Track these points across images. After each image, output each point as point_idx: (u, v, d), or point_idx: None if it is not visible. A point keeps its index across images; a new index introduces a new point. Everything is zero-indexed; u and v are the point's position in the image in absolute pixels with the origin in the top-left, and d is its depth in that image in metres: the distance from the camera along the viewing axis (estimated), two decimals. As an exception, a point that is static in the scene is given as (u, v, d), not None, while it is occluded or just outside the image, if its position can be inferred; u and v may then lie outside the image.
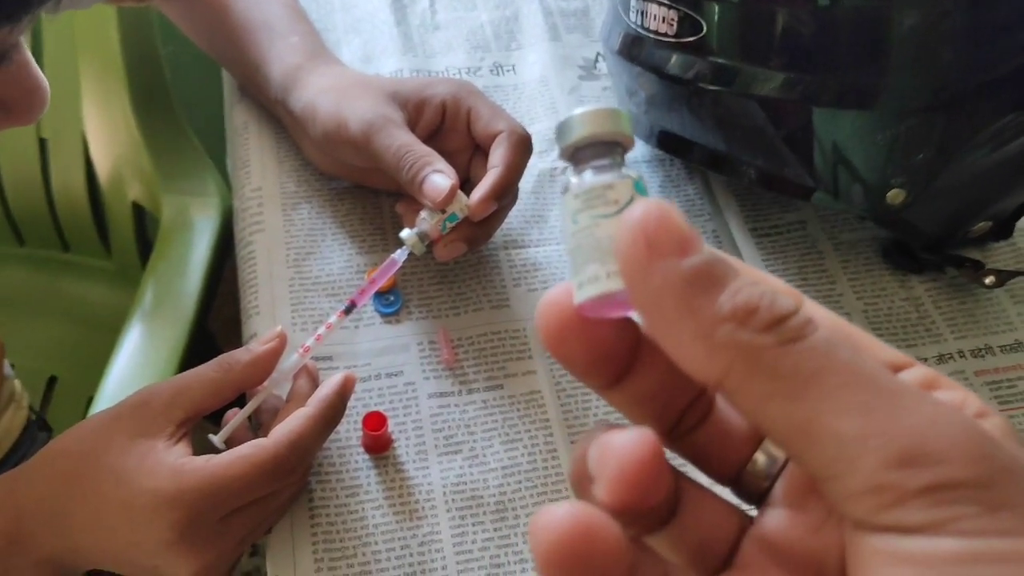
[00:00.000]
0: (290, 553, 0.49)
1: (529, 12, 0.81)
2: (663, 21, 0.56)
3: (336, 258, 0.61)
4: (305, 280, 0.60)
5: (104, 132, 0.87)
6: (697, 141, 0.59)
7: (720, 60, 0.54)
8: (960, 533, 0.16)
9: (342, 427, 0.52)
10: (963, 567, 0.16)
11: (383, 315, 0.58)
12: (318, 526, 0.50)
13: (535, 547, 0.18)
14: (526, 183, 0.63)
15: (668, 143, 0.61)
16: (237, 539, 0.47)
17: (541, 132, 0.69)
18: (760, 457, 0.22)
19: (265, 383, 0.50)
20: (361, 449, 0.53)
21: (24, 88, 0.40)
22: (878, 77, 0.50)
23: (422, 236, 0.54)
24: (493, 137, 0.56)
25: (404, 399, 0.55)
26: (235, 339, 0.58)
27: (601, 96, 0.74)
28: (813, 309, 0.22)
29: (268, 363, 0.49)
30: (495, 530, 0.50)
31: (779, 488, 0.22)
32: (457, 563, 0.49)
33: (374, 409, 0.53)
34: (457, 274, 0.61)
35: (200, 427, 0.49)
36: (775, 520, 0.21)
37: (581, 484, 0.20)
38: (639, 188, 0.21)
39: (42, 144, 0.91)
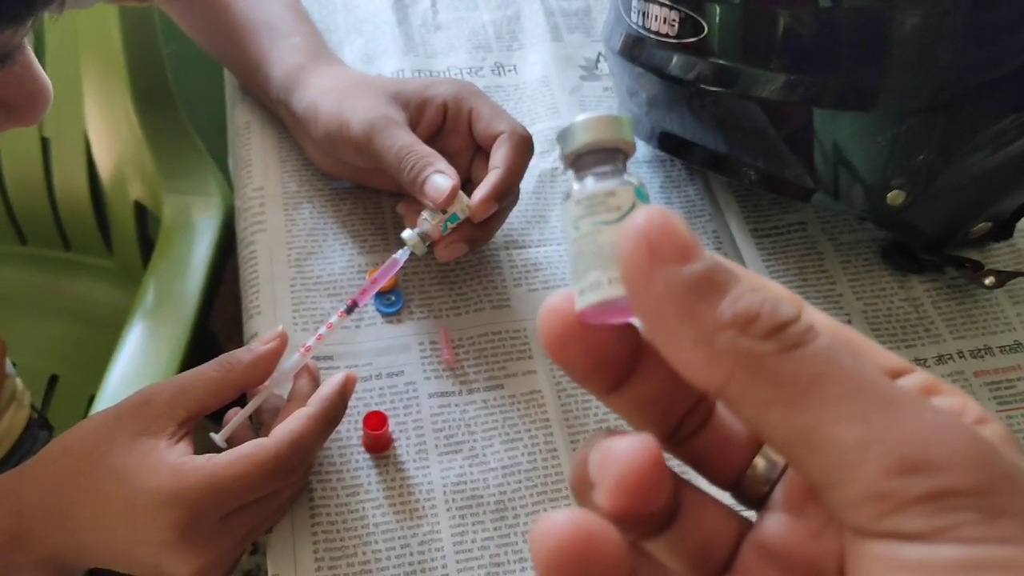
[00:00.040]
0: (291, 551, 0.49)
1: (531, 12, 0.81)
2: (664, 22, 0.56)
3: (337, 258, 0.61)
4: (306, 280, 0.60)
5: (106, 131, 0.87)
6: (698, 142, 0.59)
7: (721, 61, 0.54)
8: (960, 540, 0.16)
9: (343, 426, 0.52)
10: (963, 574, 0.16)
11: (384, 315, 0.59)
12: (319, 525, 0.50)
13: (536, 554, 0.18)
14: (527, 183, 0.63)
15: (669, 144, 0.61)
16: (238, 538, 0.47)
17: (542, 132, 0.69)
18: (760, 462, 0.22)
19: (266, 383, 0.50)
20: (362, 448, 0.53)
21: (27, 89, 0.40)
22: (879, 78, 0.50)
23: (423, 236, 0.54)
24: (494, 138, 0.57)
25: (405, 399, 0.55)
26: (236, 339, 0.59)
27: (602, 96, 0.74)
28: (813, 315, 0.22)
29: (269, 363, 0.49)
30: (495, 529, 0.50)
31: (779, 493, 0.22)
32: (457, 562, 0.49)
33: (375, 409, 0.53)
34: (458, 274, 0.61)
35: (201, 426, 0.49)
36: (774, 525, 0.21)
37: (582, 490, 0.20)
38: (640, 195, 0.21)
39: (44, 143, 0.91)
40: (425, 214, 0.55)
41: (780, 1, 0.50)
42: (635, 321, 0.21)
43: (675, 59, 0.56)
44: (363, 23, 0.78)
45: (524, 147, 0.56)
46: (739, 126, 0.55)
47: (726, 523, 0.22)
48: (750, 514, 0.23)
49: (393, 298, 0.59)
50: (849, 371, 0.18)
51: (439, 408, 0.55)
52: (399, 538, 0.50)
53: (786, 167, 0.55)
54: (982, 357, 0.59)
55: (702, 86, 0.55)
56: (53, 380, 0.90)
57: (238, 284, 0.62)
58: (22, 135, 0.90)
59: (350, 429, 0.53)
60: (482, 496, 0.52)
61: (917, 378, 0.21)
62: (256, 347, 0.49)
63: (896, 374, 0.21)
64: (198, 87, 0.92)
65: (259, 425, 0.52)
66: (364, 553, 0.49)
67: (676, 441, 0.23)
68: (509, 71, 0.76)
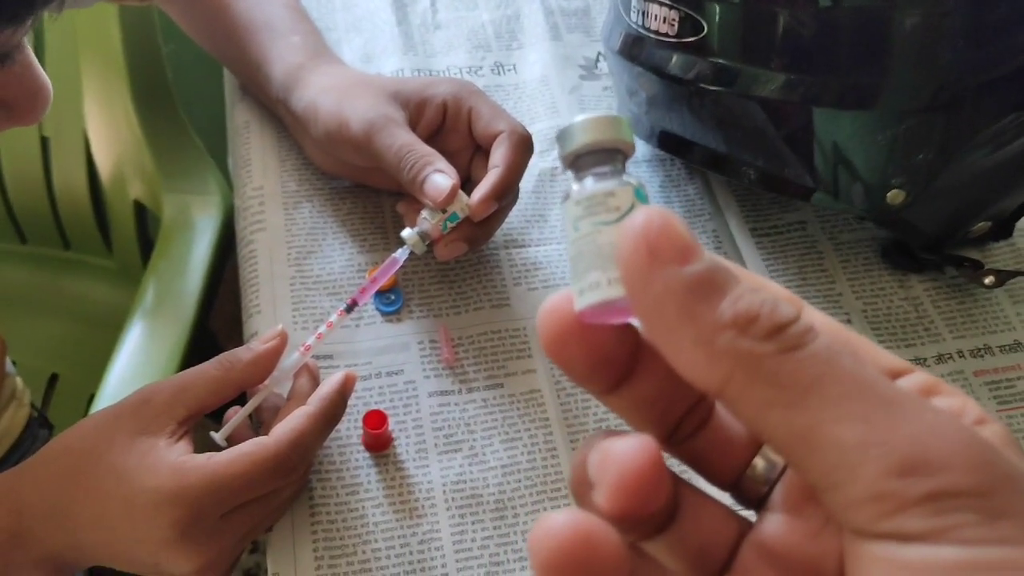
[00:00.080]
0: (291, 550, 0.49)
1: (530, 11, 0.81)
2: (664, 21, 0.56)
3: (337, 257, 0.61)
4: (306, 279, 0.60)
5: (106, 131, 0.87)
6: (697, 141, 0.59)
7: (721, 60, 0.54)
8: (960, 541, 0.16)
9: (343, 425, 0.52)
10: (963, 575, 0.16)
11: (384, 314, 0.59)
12: (318, 523, 0.50)
13: (535, 556, 0.18)
14: (527, 183, 0.63)
15: (668, 143, 0.61)
16: (238, 537, 0.47)
17: (542, 132, 0.69)
18: (759, 462, 0.22)
19: (266, 381, 0.50)
20: (361, 447, 0.53)
21: (27, 88, 0.40)
22: (878, 77, 0.50)
23: (423, 235, 0.54)
24: (494, 137, 0.57)
25: (404, 397, 0.55)
26: (236, 338, 0.59)
27: (602, 96, 0.74)
28: (813, 315, 0.22)
29: (269, 362, 0.49)
30: (495, 528, 0.50)
31: (778, 493, 0.22)
32: (456, 561, 0.49)
33: (374, 407, 0.53)
34: (458, 273, 0.61)
35: (201, 425, 0.49)
36: (774, 525, 0.21)
37: (581, 490, 0.20)
38: (640, 195, 0.21)
39: (44, 143, 0.91)
40: (425, 213, 0.55)
41: (780, 0, 0.50)
42: (634, 321, 0.21)
43: (675, 58, 0.56)
44: (362, 22, 0.78)
45: (524, 146, 0.56)
46: (739, 125, 0.55)
47: (725, 524, 0.22)
48: (749, 514, 0.23)
49: (393, 297, 0.59)
50: (849, 371, 0.18)
51: (439, 407, 0.55)
52: (399, 537, 0.50)
53: (786, 166, 0.55)
54: (982, 356, 0.59)
55: (702, 85, 0.55)
56: (53, 379, 0.90)
57: (238, 283, 0.62)
58: (22, 134, 0.90)
59: (350, 428, 0.53)
60: (482, 495, 0.52)
61: (917, 378, 0.21)
62: (256, 346, 0.49)
63: (896, 374, 0.21)
64: (198, 87, 0.92)
65: (259, 424, 0.52)
66: (364, 552, 0.49)
67: (675, 441, 0.23)
68: (509, 70, 0.76)
